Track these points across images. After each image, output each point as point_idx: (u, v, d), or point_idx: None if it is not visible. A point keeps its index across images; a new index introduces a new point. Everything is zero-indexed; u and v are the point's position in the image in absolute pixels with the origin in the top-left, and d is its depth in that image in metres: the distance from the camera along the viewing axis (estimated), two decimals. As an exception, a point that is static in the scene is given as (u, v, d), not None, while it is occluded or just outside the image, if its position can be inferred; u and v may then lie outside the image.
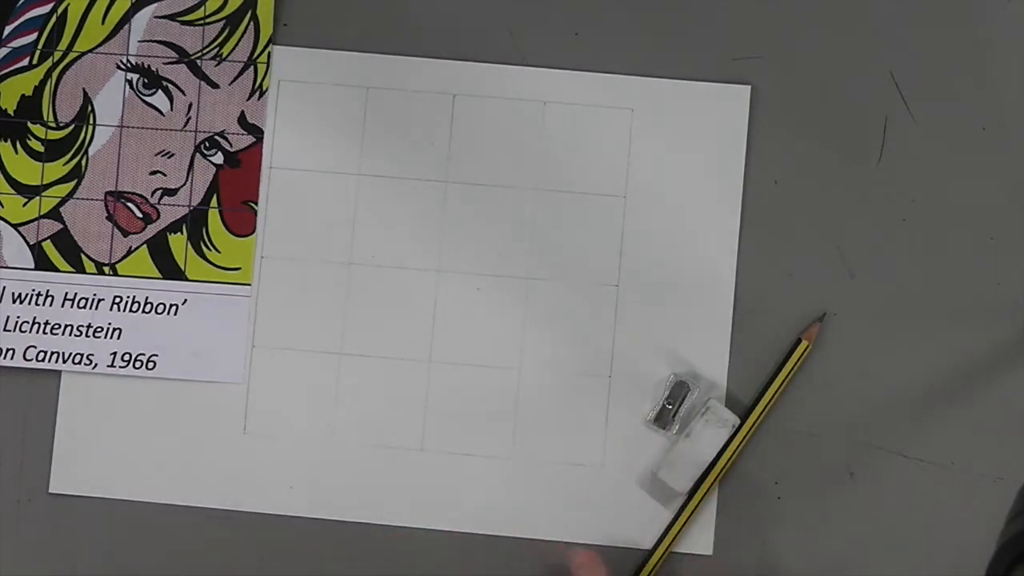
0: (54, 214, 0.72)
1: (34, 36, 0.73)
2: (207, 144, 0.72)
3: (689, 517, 0.69)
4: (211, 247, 0.72)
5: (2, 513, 0.71)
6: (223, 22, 0.73)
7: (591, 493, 0.70)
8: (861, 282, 0.71)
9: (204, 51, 0.72)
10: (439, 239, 0.71)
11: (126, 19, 0.73)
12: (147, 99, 0.72)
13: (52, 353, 0.71)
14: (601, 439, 0.70)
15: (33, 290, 0.72)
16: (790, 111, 0.71)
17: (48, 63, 0.73)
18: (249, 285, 0.72)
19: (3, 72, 0.73)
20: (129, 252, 0.72)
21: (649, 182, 0.71)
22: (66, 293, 0.72)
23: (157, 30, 0.73)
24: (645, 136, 0.71)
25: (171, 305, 0.71)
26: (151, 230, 0.72)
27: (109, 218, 0.72)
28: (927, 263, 0.71)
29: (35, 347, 0.71)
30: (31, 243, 0.72)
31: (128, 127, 0.72)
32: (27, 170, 0.72)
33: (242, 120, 0.72)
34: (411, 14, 0.72)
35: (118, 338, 0.71)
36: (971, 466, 0.70)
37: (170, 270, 0.72)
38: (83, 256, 0.72)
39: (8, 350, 0.71)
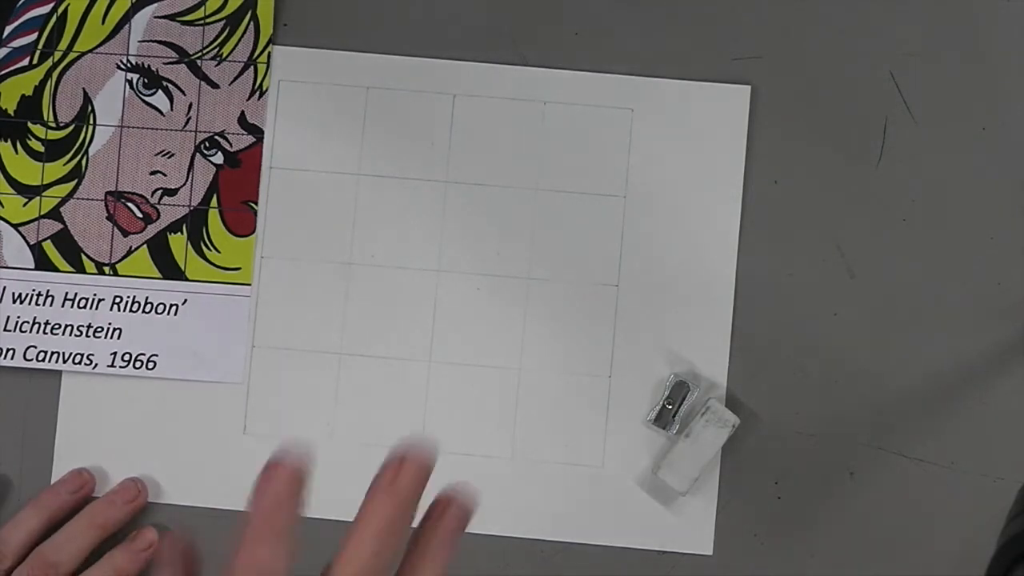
0: (54, 214, 0.72)
1: (34, 36, 0.73)
2: (207, 144, 0.72)
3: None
4: (211, 247, 0.72)
5: (2, 513, 0.71)
6: (223, 22, 0.73)
7: (591, 493, 0.70)
8: (861, 282, 0.71)
9: (204, 51, 0.72)
10: (439, 239, 0.71)
11: (126, 19, 0.73)
12: (147, 99, 0.72)
13: (52, 353, 0.71)
14: (601, 439, 0.70)
15: (33, 290, 0.72)
16: (790, 111, 0.71)
17: (48, 63, 0.73)
18: (249, 285, 0.72)
19: (3, 72, 0.73)
20: (129, 252, 0.72)
21: (649, 182, 0.71)
22: (66, 293, 0.72)
23: (157, 30, 0.73)
24: (645, 136, 0.71)
25: (171, 305, 0.71)
26: (151, 230, 0.72)
27: (109, 218, 0.72)
28: (927, 263, 0.71)
29: (35, 347, 0.71)
30: (31, 243, 0.72)
31: (128, 127, 0.72)
32: (27, 170, 0.72)
33: (242, 120, 0.72)
34: (411, 14, 0.72)
35: (118, 338, 0.71)
36: (971, 466, 0.70)
37: (170, 270, 0.72)
38: (83, 256, 0.72)
39: (8, 350, 0.71)
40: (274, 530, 0.39)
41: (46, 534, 0.68)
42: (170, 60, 0.73)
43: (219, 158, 0.72)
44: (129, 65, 0.73)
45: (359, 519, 0.41)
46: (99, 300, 0.72)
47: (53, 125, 0.72)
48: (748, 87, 0.71)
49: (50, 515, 0.69)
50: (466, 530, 0.42)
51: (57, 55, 0.73)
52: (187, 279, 0.72)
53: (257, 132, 0.72)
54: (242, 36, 0.72)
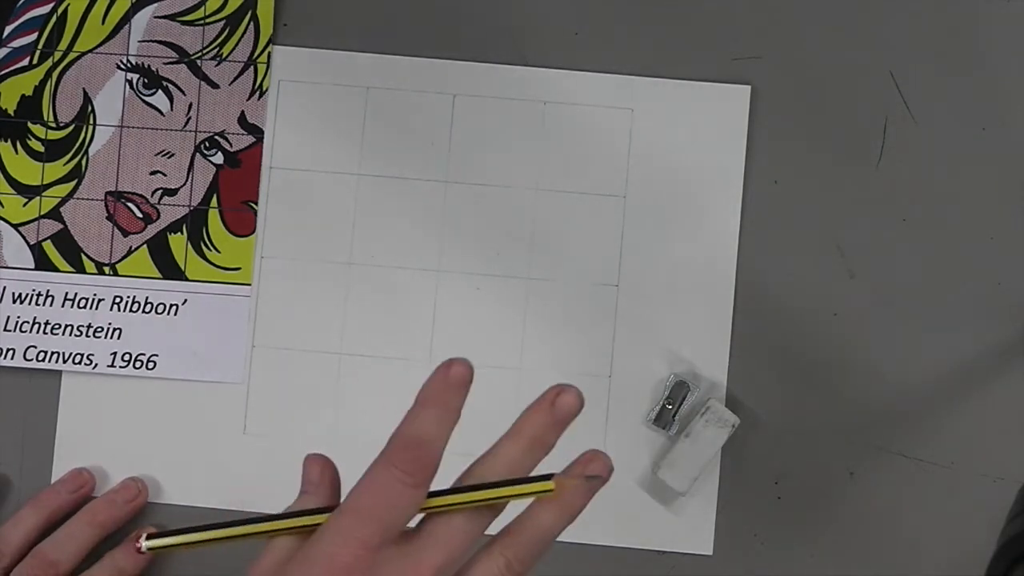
0: (54, 214, 0.72)
1: (34, 36, 0.73)
2: (207, 144, 0.72)
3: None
4: (211, 247, 0.72)
5: (2, 514, 0.71)
6: (223, 22, 0.73)
7: (591, 493, 0.70)
8: (861, 282, 0.71)
9: (204, 51, 0.72)
10: (439, 239, 0.71)
11: (126, 19, 0.73)
12: (147, 99, 0.72)
13: (52, 353, 0.71)
14: (601, 439, 0.70)
15: (33, 290, 0.72)
16: (790, 111, 0.71)
17: (48, 63, 0.73)
18: (249, 285, 0.72)
19: (3, 72, 0.73)
20: (129, 252, 0.72)
21: (649, 182, 0.71)
22: (66, 293, 0.72)
23: (157, 30, 0.73)
24: (645, 136, 0.71)
25: (171, 305, 0.71)
26: (151, 230, 0.72)
27: (109, 218, 0.72)
28: (927, 263, 0.71)
29: (35, 347, 0.71)
30: (31, 243, 0.72)
31: (128, 127, 0.72)
32: (27, 170, 0.72)
33: (242, 120, 0.72)
34: (411, 14, 0.72)
35: (118, 338, 0.71)
36: (971, 466, 0.70)
37: (170, 270, 0.72)
38: (83, 256, 0.72)
39: (8, 350, 0.71)
40: (441, 407, 0.46)
41: (45, 533, 0.68)
42: (170, 60, 0.73)
43: (219, 158, 0.72)
44: (129, 65, 0.73)
45: (515, 426, 0.47)
46: (99, 300, 0.72)
47: (53, 125, 0.72)
48: (748, 87, 0.71)
49: (49, 514, 0.69)
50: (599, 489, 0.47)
51: (57, 55, 0.73)
52: (187, 279, 0.72)
53: (257, 132, 0.72)
54: (242, 36, 0.72)
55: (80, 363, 0.71)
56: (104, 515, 0.69)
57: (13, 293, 0.72)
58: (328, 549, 0.44)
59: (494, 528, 0.47)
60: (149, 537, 0.47)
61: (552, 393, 0.48)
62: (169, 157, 0.72)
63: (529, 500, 0.46)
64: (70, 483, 0.70)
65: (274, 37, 0.72)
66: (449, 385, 0.46)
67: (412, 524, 0.46)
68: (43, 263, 0.72)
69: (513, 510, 0.47)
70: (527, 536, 0.46)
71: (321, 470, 0.50)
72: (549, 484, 0.46)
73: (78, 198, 0.72)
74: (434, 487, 0.46)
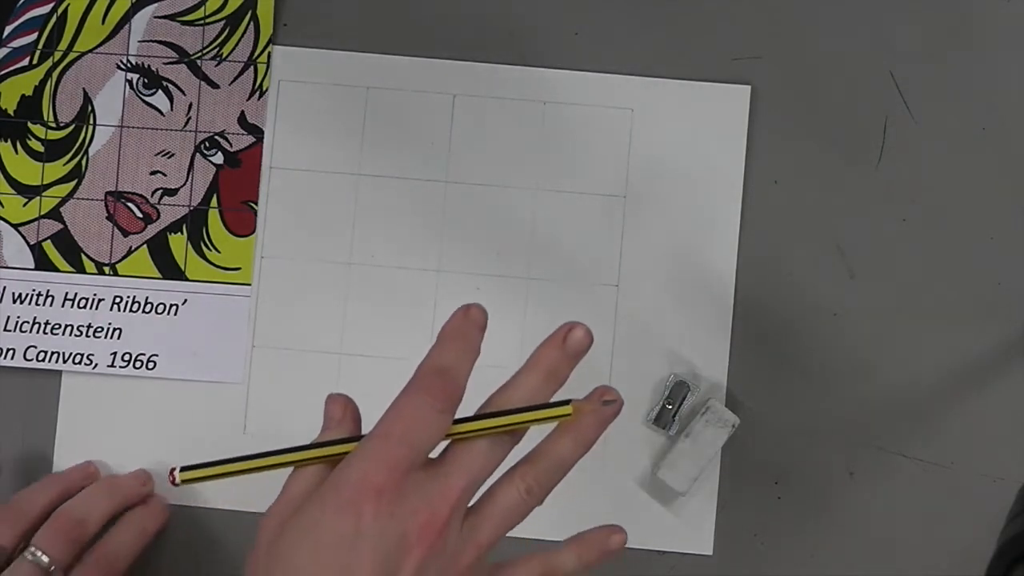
0: (54, 214, 0.72)
1: (34, 36, 0.73)
2: (207, 144, 0.72)
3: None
4: (211, 247, 0.72)
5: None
6: (223, 22, 0.73)
7: (591, 493, 0.70)
8: (861, 282, 0.71)
9: (204, 51, 0.72)
10: (439, 239, 0.71)
11: (126, 19, 0.73)
12: (147, 99, 0.72)
13: (52, 353, 0.71)
14: (601, 438, 0.70)
15: (33, 290, 0.72)
16: (790, 111, 0.71)
17: (48, 63, 0.73)
18: (249, 285, 0.72)
19: (3, 72, 0.73)
20: (129, 252, 0.72)
21: (649, 182, 0.71)
22: (66, 293, 0.72)
23: (157, 30, 0.73)
24: (645, 136, 0.71)
25: (171, 305, 0.71)
26: (151, 230, 0.72)
27: (109, 218, 0.72)
28: (927, 263, 0.71)
29: (35, 347, 0.71)
30: (31, 243, 0.72)
31: (128, 127, 0.72)
32: (27, 170, 0.72)
33: (242, 120, 0.72)
34: (411, 14, 0.72)
35: (118, 338, 0.71)
36: (971, 466, 0.70)
37: (170, 270, 0.72)
38: (83, 256, 0.72)
39: (8, 350, 0.71)
40: (463, 340, 0.49)
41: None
42: (170, 60, 0.73)
43: (219, 158, 0.72)
44: (129, 65, 0.73)
45: (531, 360, 0.50)
46: (99, 300, 0.72)
47: (53, 125, 0.72)
48: (748, 87, 0.71)
49: (65, 487, 0.68)
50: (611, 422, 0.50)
51: (57, 55, 0.73)
52: (187, 279, 0.72)
53: (257, 132, 0.72)
54: (242, 36, 0.72)
55: (80, 363, 0.71)
56: (123, 487, 0.69)
57: (13, 293, 0.72)
58: (359, 470, 0.46)
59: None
60: (183, 470, 0.50)
61: (564, 330, 0.50)
62: (169, 157, 0.72)
63: (548, 425, 0.49)
64: (79, 471, 0.70)
65: (274, 37, 0.72)
66: (469, 323, 0.49)
67: (436, 454, 0.48)
68: (43, 263, 0.72)
69: (532, 444, 0.50)
70: (546, 463, 0.49)
71: (343, 407, 0.52)
72: (567, 408, 0.49)
73: (78, 198, 0.72)
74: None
